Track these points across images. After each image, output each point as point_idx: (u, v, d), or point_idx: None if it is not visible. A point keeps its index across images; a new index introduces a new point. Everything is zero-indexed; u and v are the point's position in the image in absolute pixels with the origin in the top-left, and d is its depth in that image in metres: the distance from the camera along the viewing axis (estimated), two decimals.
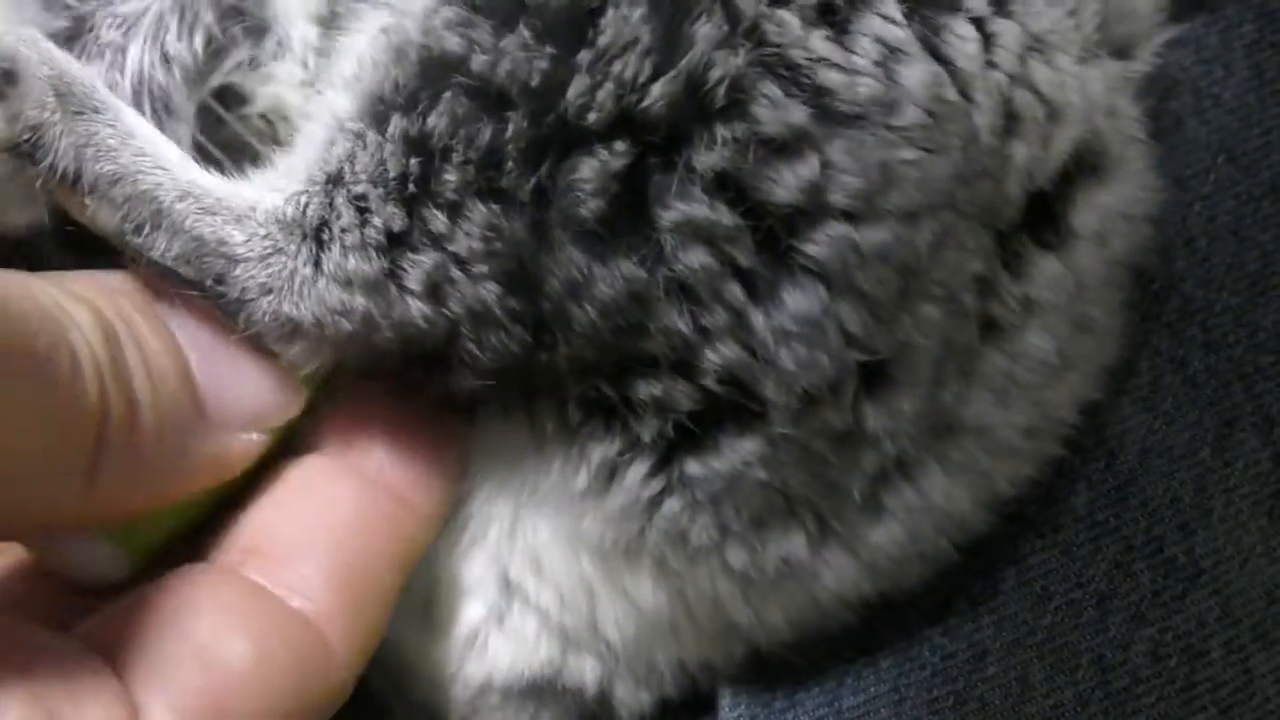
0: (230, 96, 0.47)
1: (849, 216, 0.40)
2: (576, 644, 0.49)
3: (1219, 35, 0.50)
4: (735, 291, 0.41)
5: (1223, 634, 0.49)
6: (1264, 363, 0.50)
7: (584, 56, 0.40)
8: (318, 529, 0.42)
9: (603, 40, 0.40)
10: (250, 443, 0.43)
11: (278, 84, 0.47)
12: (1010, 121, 0.42)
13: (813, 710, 0.51)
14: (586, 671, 0.49)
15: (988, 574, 0.50)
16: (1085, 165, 0.44)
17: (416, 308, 0.41)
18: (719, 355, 0.41)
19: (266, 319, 0.42)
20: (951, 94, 0.41)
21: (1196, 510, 0.50)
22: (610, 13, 0.40)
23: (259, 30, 0.47)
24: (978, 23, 0.42)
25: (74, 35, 0.45)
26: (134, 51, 0.46)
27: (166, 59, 0.46)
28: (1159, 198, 0.46)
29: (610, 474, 0.44)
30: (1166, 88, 0.48)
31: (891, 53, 0.40)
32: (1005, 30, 0.42)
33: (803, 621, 0.47)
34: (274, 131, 0.48)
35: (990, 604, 0.50)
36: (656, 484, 0.43)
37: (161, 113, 0.46)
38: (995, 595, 0.50)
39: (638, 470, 0.43)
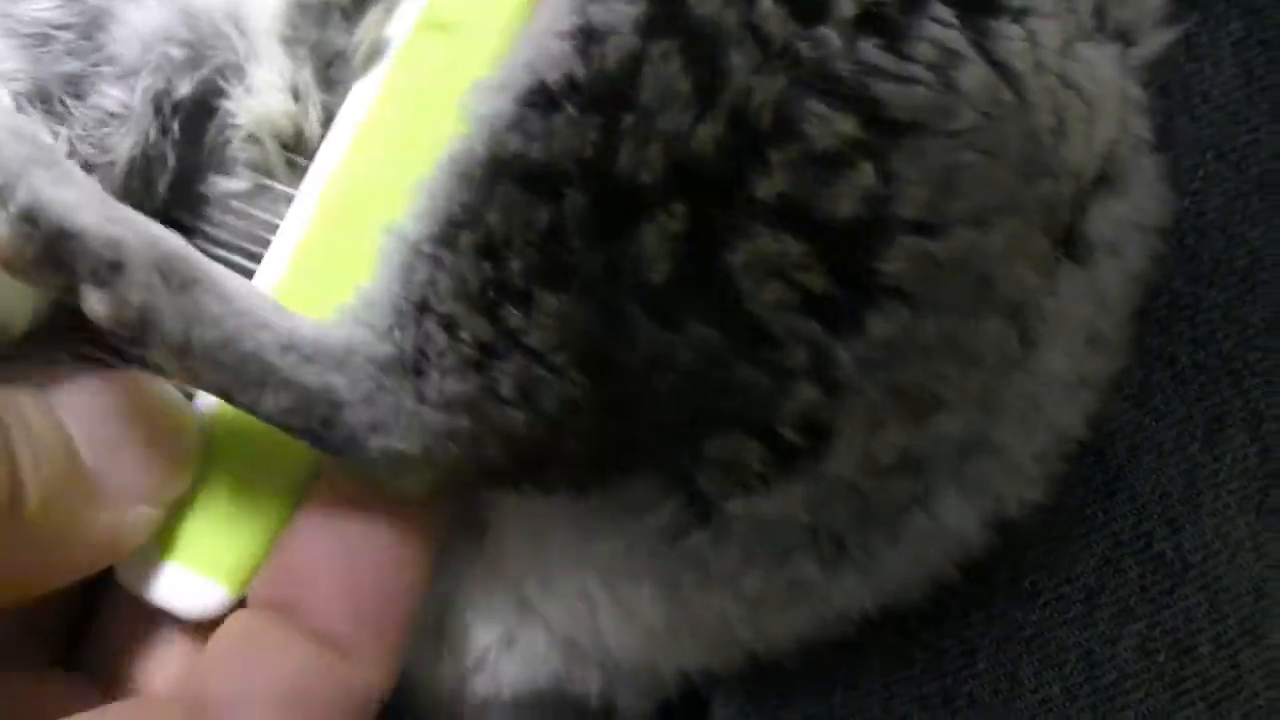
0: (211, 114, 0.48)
1: (920, 227, 0.40)
2: (582, 656, 0.49)
3: (1207, 33, 0.50)
4: (813, 326, 0.40)
5: (1211, 629, 0.49)
6: (1252, 359, 0.50)
7: (629, 119, 0.39)
8: (256, 684, 0.42)
9: (644, 98, 0.40)
10: (142, 516, 0.43)
11: (256, 98, 0.47)
12: (1061, 122, 0.42)
13: (804, 707, 0.51)
14: (591, 681, 0.49)
15: (976, 571, 0.50)
16: (1101, 173, 0.43)
17: (516, 416, 0.41)
18: (797, 401, 0.41)
19: (379, 456, 0.42)
20: (1007, 95, 0.40)
21: (1185, 506, 0.50)
22: (647, 69, 0.40)
23: (229, 64, 0.47)
24: (1019, 21, 0.41)
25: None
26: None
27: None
28: (1170, 209, 0.46)
29: (635, 509, 0.44)
30: (1157, 84, 0.48)
31: (948, 56, 0.40)
32: (1044, 29, 0.42)
33: (806, 636, 0.48)
34: (262, 148, 0.48)
35: (979, 600, 0.50)
36: (684, 518, 0.43)
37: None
38: (984, 592, 0.50)
39: (669, 506, 0.43)
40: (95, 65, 0.46)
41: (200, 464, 0.46)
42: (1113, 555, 0.50)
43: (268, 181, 0.48)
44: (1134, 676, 0.50)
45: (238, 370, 0.41)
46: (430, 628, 0.49)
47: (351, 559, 0.44)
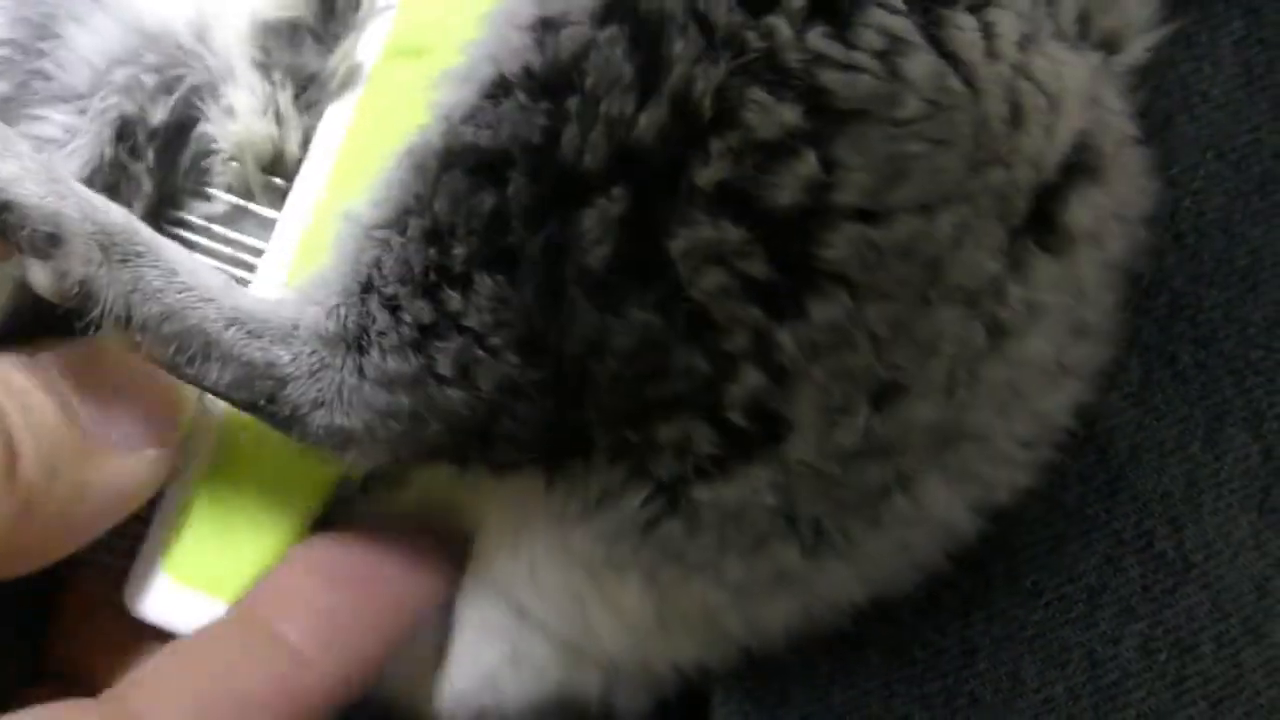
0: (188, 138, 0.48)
1: (862, 215, 0.40)
2: (582, 660, 0.49)
3: (1207, 32, 0.50)
4: (755, 311, 0.40)
5: (1213, 628, 0.49)
6: (1254, 357, 0.50)
7: (573, 103, 0.40)
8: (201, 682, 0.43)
9: (589, 84, 0.40)
10: (148, 459, 0.44)
11: (237, 121, 0.48)
12: (1015, 111, 0.42)
13: (803, 706, 0.51)
14: (590, 684, 0.50)
15: (977, 569, 0.50)
16: (1080, 164, 0.43)
17: (455, 395, 0.42)
18: (742, 386, 0.41)
19: (321, 432, 0.43)
20: (956, 84, 0.41)
21: (1187, 505, 0.50)
22: (593, 55, 0.40)
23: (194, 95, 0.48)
24: (975, 12, 0.42)
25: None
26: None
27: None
28: (1153, 200, 0.46)
29: (607, 497, 0.44)
30: (1155, 84, 0.48)
31: (894, 44, 0.40)
32: (1002, 19, 0.42)
33: (795, 627, 0.48)
34: (244, 169, 0.48)
35: (980, 599, 0.50)
36: (656, 507, 0.43)
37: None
38: (985, 591, 0.50)
39: (637, 495, 0.43)
40: (31, 88, 0.46)
41: (207, 483, 0.47)
42: (1114, 554, 0.50)
43: (247, 204, 0.48)
44: (1136, 675, 0.50)
45: (182, 343, 0.42)
46: (431, 655, 0.50)
47: (337, 590, 0.45)
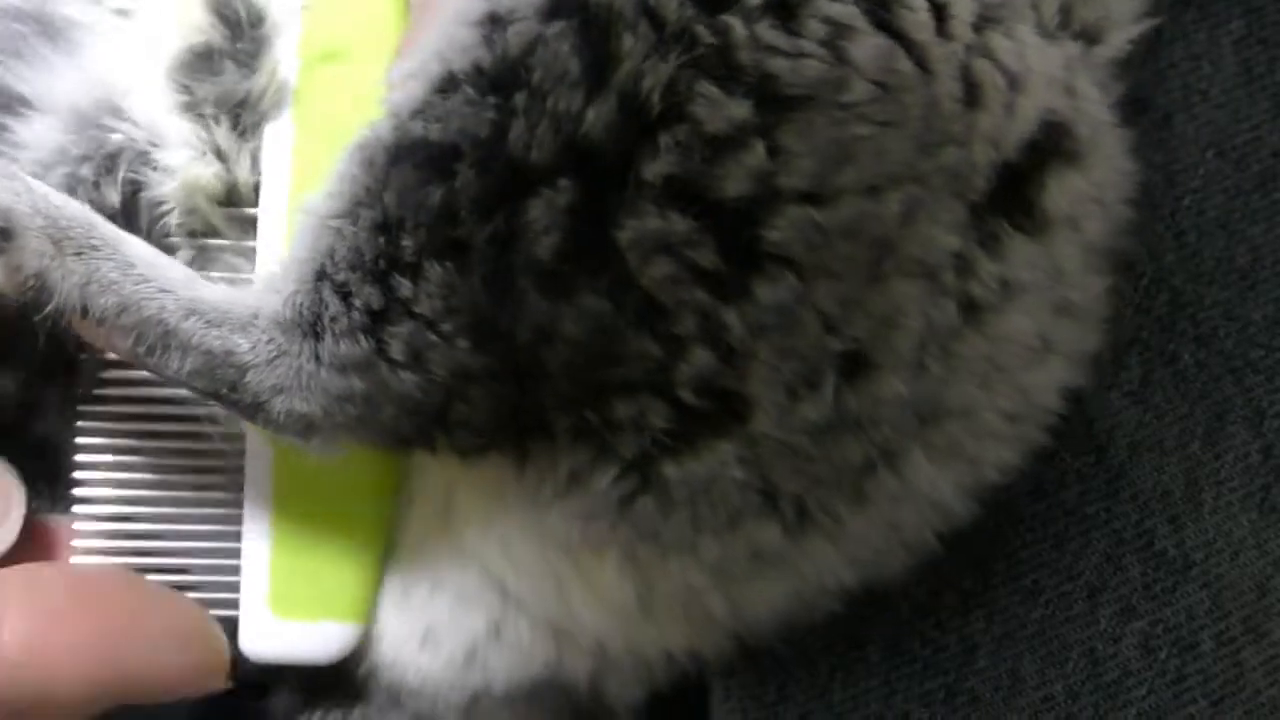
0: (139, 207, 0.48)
1: (807, 198, 0.40)
2: (570, 642, 0.49)
3: (1206, 31, 0.50)
4: (702, 296, 0.41)
5: (1213, 627, 0.50)
6: (1254, 356, 0.50)
7: (520, 99, 0.40)
8: None
9: (535, 78, 0.40)
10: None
11: (176, 176, 0.48)
12: (971, 90, 0.42)
13: (803, 704, 0.51)
14: (579, 668, 0.50)
15: (978, 567, 0.50)
16: (1054, 147, 0.44)
17: (408, 379, 0.42)
18: (692, 366, 0.41)
19: (282, 418, 0.43)
20: (905, 65, 0.41)
21: (1187, 503, 0.50)
22: (540, 51, 0.40)
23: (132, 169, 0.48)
24: None
25: None
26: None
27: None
28: (1133, 182, 0.46)
29: (578, 477, 0.44)
30: (1154, 82, 0.48)
31: (839, 30, 0.40)
32: (956, 2, 0.42)
33: (784, 612, 0.48)
34: (200, 212, 0.48)
35: (981, 597, 0.50)
36: (628, 484, 0.44)
37: None
38: (986, 589, 0.50)
39: (607, 474, 0.44)
40: None
41: (281, 516, 0.48)
42: (1115, 553, 0.50)
43: (217, 241, 0.49)
44: (1136, 674, 0.50)
45: (140, 333, 0.43)
46: (417, 628, 0.50)
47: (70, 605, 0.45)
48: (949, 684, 0.50)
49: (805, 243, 0.40)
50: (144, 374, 0.46)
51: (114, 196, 0.47)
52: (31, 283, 0.42)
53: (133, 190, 0.48)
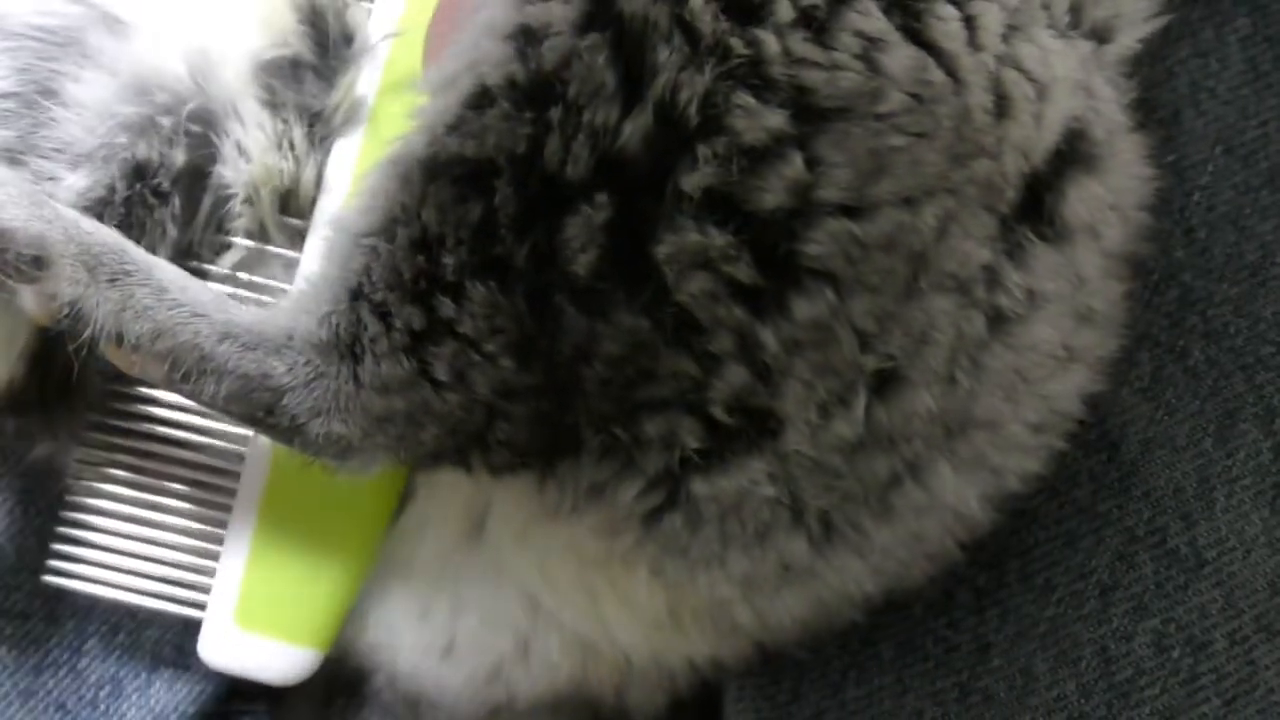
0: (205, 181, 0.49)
1: (844, 210, 0.40)
2: (596, 656, 0.49)
3: (1213, 28, 0.50)
4: (739, 312, 0.41)
5: (1226, 625, 0.49)
6: (1265, 353, 0.50)
7: (556, 113, 0.40)
8: None
9: (571, 92, 0.40)
10: None
11: (252, 160, 0.48)
12: (1001, 101, 0.42)
13: (817, 702, 0.51)
14: (605, 680, 0.50)
15: (991, 566, 0.50)
16: (1074, 154, 0.44)
17: (451, 399, 0.42)
18: (727, 384, 0.41)
19: (321, 440, 0.43)
20: (937, 76, 0.41)
21: (1199, 501, 0.50)
22: (575, 64, 0.40)
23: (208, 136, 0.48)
24: (957, 4, 0.42)
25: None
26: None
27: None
28: (1150, 188, 0.46)
29: (598, 491, 0.44)
30: (1162, 80, 0.48)
31: (872, 43, 0.40)
32: (985, 11, 0.42)
33: (808, 621, 0.48)
34: (259, 209, 0.49)
35: (994, 596, 0.50)
36: (652, 500, 0.44)
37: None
38: (999, 587, 0.50)
39: (629, 489, 0.44)
40: (35, 138, 0.46)
41: (264, 532, 0.48)
42: (1127, 551, 0.50)
43: (266, 247, 0.49)
44: (1149, 673, 0.49)
45: (176, 359, 0.43)
46: (438, 642, 0.50)
47: None
48: (962, 682, 0.50)
49: (843, 256, 0.40)
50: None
51: (181, 155, 0.47)
52: (66, 311, 0.42)
53: (201, 161, 0.48)
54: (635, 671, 0.50)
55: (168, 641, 0.50)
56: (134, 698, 0.53)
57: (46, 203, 0.43)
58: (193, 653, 0.49)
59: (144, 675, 0.54)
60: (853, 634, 0.50)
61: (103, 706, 0.53)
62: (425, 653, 0.51)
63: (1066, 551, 0.51)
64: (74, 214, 0.43)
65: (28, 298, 0.42)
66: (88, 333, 0.42)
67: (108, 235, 0.43)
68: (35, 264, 0.42)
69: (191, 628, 0.49)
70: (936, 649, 0.50)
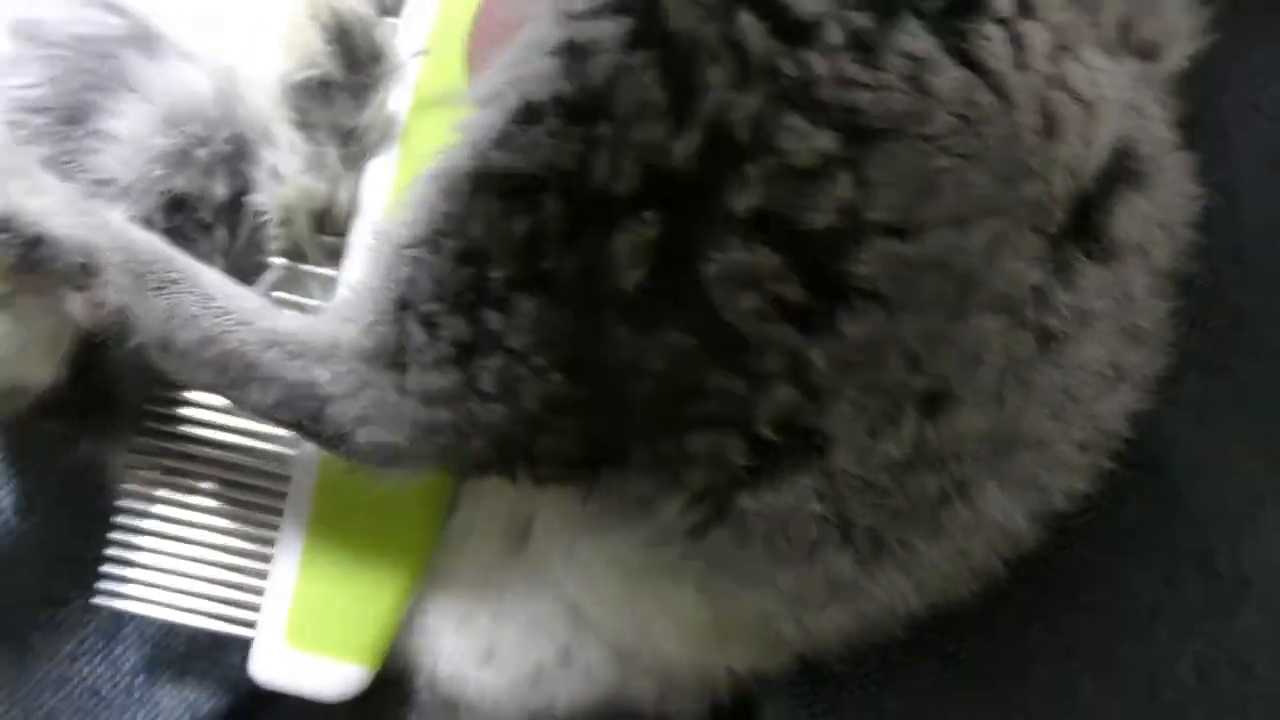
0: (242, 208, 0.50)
1: (894, 231, 0.40)
2: (638, 665, 0.49)
3: (1262, 45, 0.50)
4: (787, 331, 0.41)
5: (1272, 648, 0.48)
6: None
7: (605, 129, 0.40)
8: None
9: (621, 110, 0.40)
10: None
11: (285, 183, 0.49)
12: (1049, 122, 0.42)
13: (854, 713, 0.50)
14: (645, 690, 0.50)
15: (1034, 582, 0.50)
16: (1122, 172, 0.44)
17: (497, 410, 0.42)
18: (774, 402, 0.41)
19: (366, 448, 0.44)
20: (985, 97, 0.41)
21: (1246, 522, 0.49)
22: (623, 81, 0.40)
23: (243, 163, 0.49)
24: (1004, 24, 0.42)
25: None
26: None
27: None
28: (1198, 205, 0.46)
29: (644, 504, 0.44)
30: (1209, 97, 0.48)
31: (920, 64, 0.40)
32: (1033, 31, 0.42)
33: (851, 634, 0.48)
34: (295, 230, 0.50)
35: (1038, 611, 0.50)
36: (698, 514, 0.44)
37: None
38: (1043, 603, 0.50)
39: (674, 503, 0.44)
40: (70, 159, 0.47)
41: (314, 549, 0.49)
42: (1172, 572, 0.50)
43: (304, 266, 0.50)
44: (1194, 695, 0.49)
45: (221, 367, 0.44)
46: (478, 648, 0.50)
47: None
48: (1002, 697, 0.50)
49: (892, 276, 0.40)
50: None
51: (222, 188, 0.48)
52: (113, 318, 0.43)
53: (239, 191, 0.49)
54: (676, 681, 0.50)
55: (204, 631, 0.50)
56: (169, 686, 0.54)
57: (94, 210, 0.44)
58: (227, 643, 0.49)
59: (179, 664, 0.54)
60: (892, 645, 0.49)
61: (137, 694, 0.54)
62: (465, 658, 0.51)
63: (1112, 571, 0.50)
64: (120, 220, 0.44)
65: (75, 305, 0.43)
66: (135, 339, 0.43)
67: (154, 242, 0.44)
68: (84, 271, 0.43)
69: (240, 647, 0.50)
70: (977, 662, 0.50)
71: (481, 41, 0.47)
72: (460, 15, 0.48)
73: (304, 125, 0.49)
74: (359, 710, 0.51)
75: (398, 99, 0.49)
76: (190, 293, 0.43)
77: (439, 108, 0.48)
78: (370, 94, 0.49)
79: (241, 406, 0.45)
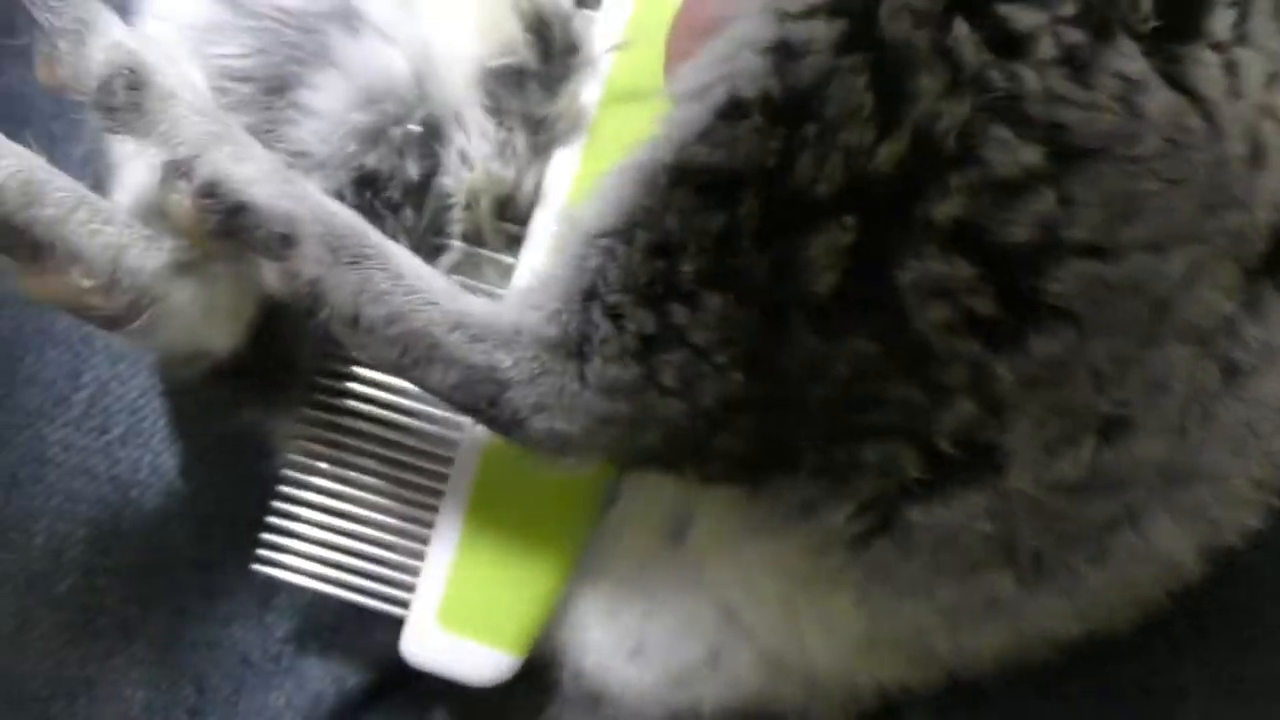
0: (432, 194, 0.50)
1: (1092, 251, 0.40)
2: (785, 673, 0.49)
3: None
4: (976, 345, 0.40)
5: None
6: None
7: (811, 130, 0.40)
8: None
9: (829, 112, 0.40)
10: None
11: (474, 167, 0.49)
12: (1257, 151, 0.41)
13: None
14: (790, 698, 0.50)
15: (1191, 614, 0.49)
16: None
17: (675, 405, 0.42)
18: (955, 416, 0.41)
19: (541, 436, 0.44)
20: (1195, 122, 0.40)
21: None
22: (834, 84, 0.40)
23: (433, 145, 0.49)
24: (1219, 50, 0.41)
25: None
26: None
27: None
28: None
29: (810, 509, 0.44)
30: None
31: (1132, 85, 0.40)
32: (1249, 60, 0.41)
33: (1007, 655, 0.47)
34: (477, 215, 0.50)
35: (1192, 643, 0.49)
36: (863, 523, 0.44)
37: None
38: (1199, 635, 0.49)
39: (841, 510, 0.44)
40: (270, 129, 0.48)
41: (472, 532, 0.49)
42: None
43: (483, 251, 0.50)
44: None
45: (406, 345, 0.44)
46: (626, 643, 0.50)
47: None
48: None
49: (1087, 297, 0.40)
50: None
51: (414, 168, 0.49)
52: (307, 289, 0.43)
53: (428, 172, 0.49)
54: (822, 691, 0.50)
55: (352, 605, 0.50)
56: (316, 657, 0.54)
57: (295, 180, 0.44)
58: (373, 618, 0.50)
59: (327, 636, 0.55)
60: (1042, 668, 0.48)
61: (285, 663, 0.54)
62: (612, 652, 0.51)
63: (1273, 610, 0.49)
64: (319, 193, 0.44)
65: (271, 274, 0.43)
66: (325, 312, 0.43)
67: (350, 217, 0.44)
68: (284, 242, 0.43)
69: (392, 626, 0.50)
70: (1130, 688, 0.49)
71: (684, 36, 0.46)
72: (658, 11, 0.47)
73: (495, 111, 0.49)
74: (500, 696, 0.51)
75: (589, 91, 0.49)
76: (382, 269, 0.43)
77: (630, 102, 0.48)
78: (562, 85, 0.49)
79: (421, 386, 0.45)
